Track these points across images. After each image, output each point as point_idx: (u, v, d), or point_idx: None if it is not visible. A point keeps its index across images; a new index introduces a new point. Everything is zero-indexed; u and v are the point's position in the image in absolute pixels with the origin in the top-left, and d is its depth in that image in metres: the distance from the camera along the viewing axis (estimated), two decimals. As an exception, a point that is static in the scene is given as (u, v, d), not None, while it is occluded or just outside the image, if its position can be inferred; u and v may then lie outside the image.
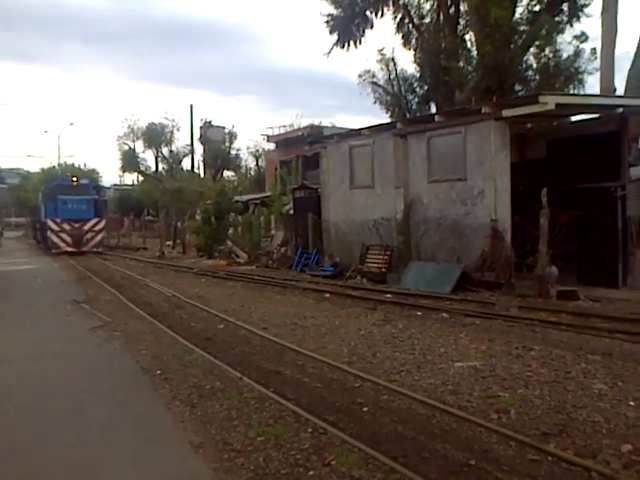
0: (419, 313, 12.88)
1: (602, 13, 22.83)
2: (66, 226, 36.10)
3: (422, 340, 9.91)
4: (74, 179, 38.77)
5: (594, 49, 25.69)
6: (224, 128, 66.17)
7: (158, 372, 8.16)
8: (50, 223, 36.33)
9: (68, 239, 36.20)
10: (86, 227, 36.78)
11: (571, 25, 27.00)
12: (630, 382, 7.28)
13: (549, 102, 14.76)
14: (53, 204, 36.85)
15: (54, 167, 65.12)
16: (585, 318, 11.81)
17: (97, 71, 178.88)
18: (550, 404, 6.51)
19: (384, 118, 33.65)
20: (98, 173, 74.85)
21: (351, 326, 11.38)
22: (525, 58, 26.85)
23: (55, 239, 36.11)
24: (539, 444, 5.38)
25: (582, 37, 26.58)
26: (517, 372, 7.78)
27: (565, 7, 26.72)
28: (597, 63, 24.98)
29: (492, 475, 4.83)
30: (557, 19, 26.60)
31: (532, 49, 26.71)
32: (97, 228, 37.48)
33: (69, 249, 35.76)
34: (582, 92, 26.86)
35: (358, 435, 5.68)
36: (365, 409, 6.51)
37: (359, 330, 10.94)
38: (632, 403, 6.49)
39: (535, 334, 10.35)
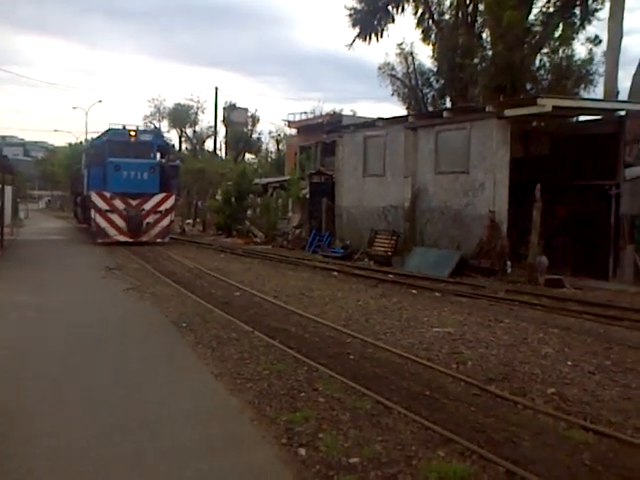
0: (414, 291, 14.42)
1: (609, 19, 23.95)
2: (119, 204, 25.65)
3: (410, 311, 11.50)
4: (132, 134, 26.90)
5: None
6: (247, 110, 67.57)
7: (184, 325, 9.80)
8: (95, 198, 25.72)
9: (121, 223, 25.75)
10: (147, 206, 26.19)
11: (583, 28, 28.07)
12: (575, 349, 8.77)
13: (546, 104, 16.15)
14: (100, 170, 26.24)
15: (81, 143, 66.86)
16: (561, 302, 13.26)
17: (120, 47, 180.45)
18: (502, 360, 8.04)
19: (402, 108, 35.05)
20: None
21: (351, 298, 12.97)
22: (538, 58, 28.02)
23: (102, 223, 25.60)
24: (483, 385, 6.90)
25: (595, 40, 27.73)
26: (483, 337, 9.33)
27: (577, 10, 27.83)
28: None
29: (440, 401, 6.37)
30: (569, 21, 27.71)
31: (544, 49, 27.87)
32: (163, 208, 26.61)
33: (122, 238, 25.52)
34: (593, 93, 28.04)
35: (342, 373, 7.23)
36: (352, 357, 8.09)
37: (358, 301, 12.55)
38: (569, 363, 7.97)
39: (511, 311, 11.86)
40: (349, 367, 7.59)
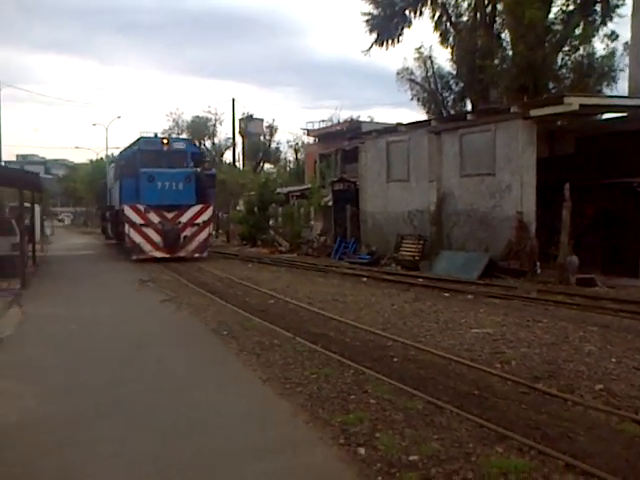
0: (446, 294, 14.44)
1: (632, 15, 23.80)
2: (154, 217, 23.90)
3: (446, 314, 11.53)
4: (165, 142, 25.37)
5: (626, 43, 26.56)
6: (262, 121, 67.83)
7: (225, 332, 9.93)
8: (129, 212, 23.97)
9: (157, 238, 24.00)
10: (184, 218, 24.36)
11: (604, 25, 27.95)
12: (617, 346, 8.75)
13: (573, 103, 16.11)
14: (133, 182, 24.50)
15: (102, 159, 67.57)
16: (595, 300, 13.21)
17: (134, 62, 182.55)
18: (545, 359, 8.05)
19: (420, 112, 35.12)
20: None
21: (385, 303, 13.03)
22: (559, 57, 27.93)
23: (137, 238, 23.90)
24: (530, 383, 6.93)
25: (613, 36, 27.62)
26: (523, 337, 9.35)
27: (598, 7, 27.71)
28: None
29: (489, 400, 6.41)
30: (590, 19, 27.60)
31: (565, 48, 27.78)
32: (201, 220, 24.76)
33: (159, 254, 23.86)
34: (615, 89, 27.94)
35: (389, 375, 7.30)
36: (395, 360, 8.15)
37: (392, 305, 12.61)
38: (614, 360, 7.97)
39: (547, 311, 11.85)
40: (394, 369, 7.65)
